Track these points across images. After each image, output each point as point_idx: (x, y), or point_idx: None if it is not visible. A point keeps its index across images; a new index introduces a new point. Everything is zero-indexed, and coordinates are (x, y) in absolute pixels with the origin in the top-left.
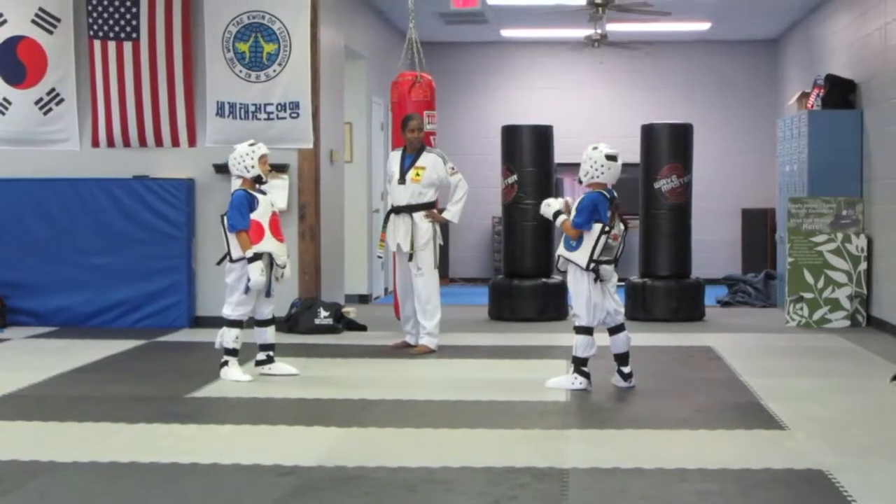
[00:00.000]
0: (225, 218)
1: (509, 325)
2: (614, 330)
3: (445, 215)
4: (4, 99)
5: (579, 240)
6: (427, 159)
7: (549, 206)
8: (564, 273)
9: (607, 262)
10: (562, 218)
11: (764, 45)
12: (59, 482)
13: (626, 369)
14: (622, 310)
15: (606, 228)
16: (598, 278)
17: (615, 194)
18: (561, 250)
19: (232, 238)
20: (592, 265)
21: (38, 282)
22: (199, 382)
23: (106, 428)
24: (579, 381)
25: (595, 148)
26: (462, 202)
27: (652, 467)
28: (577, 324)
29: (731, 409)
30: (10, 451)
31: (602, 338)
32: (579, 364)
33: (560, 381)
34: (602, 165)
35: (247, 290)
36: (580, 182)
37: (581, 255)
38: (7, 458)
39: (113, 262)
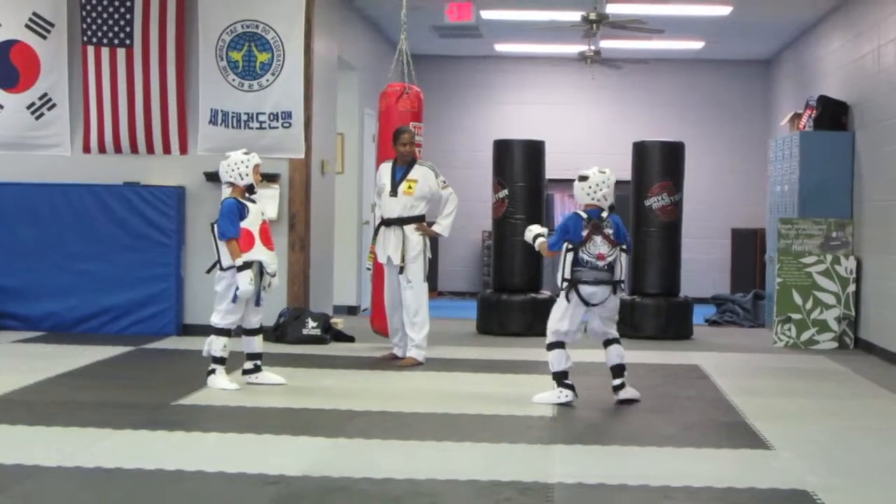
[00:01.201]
0: (215, 226)
1: (497, 339)
2: (607, 343)
3: (436, 229)
4: None
5: (559, 260)
6: (419, 172)
7: (531, 231)
8: None
9: (594, 283)
10: (539, 240)
11: (757, 66)
12: (43, 487)
13: (616, 382)
14: (612, 331)
15: (569, 246)
16: (582, 300)
17: (602, 214)
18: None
19: (222, 246)
20: (565, 284)
21: (27, 286)
22: (186, 390)
23: (92, 433)
24: (565, 395)
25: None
26: (452, 216)
27: (637, 484)
28: (547, 340)
29: (718, 427)
30: None
31: (591, 354)
32: (561, 378)
33: (546, 397)
34: (581, 188)
35: (235, 298)
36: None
37: (559, 275)
38: None
39: (102, 269)
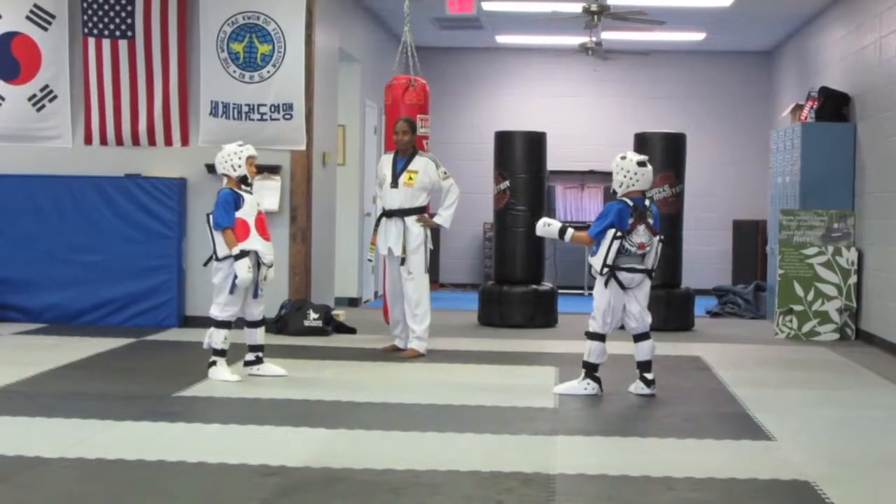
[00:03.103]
0: (210, 216)
1: (498, 331)
2: (639, 337)
3: (437, 220)
4: None
5: (598, 246)
6: (419, 163)
7: (551, 226)
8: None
9: (631, 270)
10: (570, 231)
11: (758, 57)
12: (45, 478)
13: (649, 376)
14: (648, 320)
15: (618, 234)
16: (620, 285)
17: (646, 202)
18: (589, 258)
19: (218, 237)
20: (606, 269)
21: (28, 278)
22: (187, 382)
23: (93, 425)
24: (591, 387)
25: (623, 157)
26: (453, 207)
27: (638, 475)
28: (590, 329)
29: (719, 418)
30: None
31: (612, 346)
32: (591, 370)
33: (570, 387)
34: (636, 173)
35: (233, 289)
36: (614, 193)
37: (597, 260)
38: None
39: (103, 260)
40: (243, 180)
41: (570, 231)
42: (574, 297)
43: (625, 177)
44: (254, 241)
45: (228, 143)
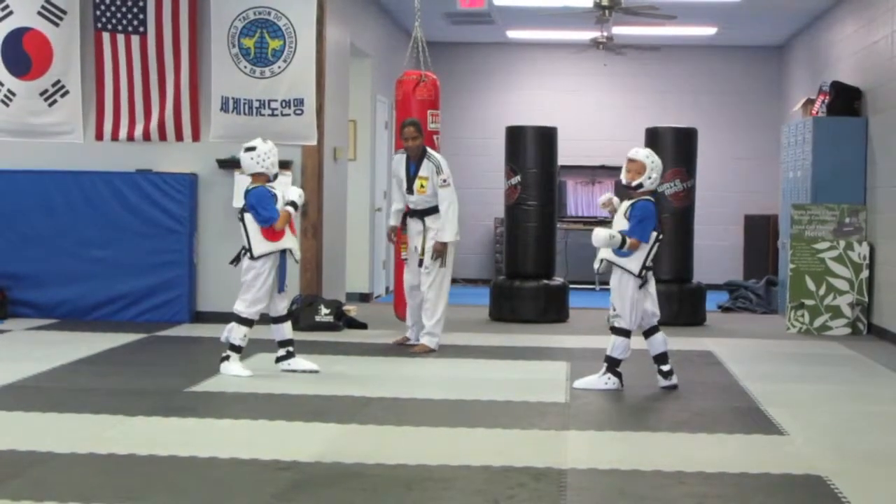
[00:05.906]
0: (247, 214)
1: (510, 326)
2: (650, 332)
3: (444, 239)
4: (9, 90)
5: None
6: (427, 168)
7: (614, 238)
8: (602, 275)
9: (649, 269)
10: (628, 240)
11: (769, 51)
12: (56, 473)
13: (665, 367)
14: (658, 312)
15: (661, 237)
16: (645, 283)
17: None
18: (607, 254)
19: (254, 234)
20: (645, 272)
21: (40, 274)
22: (198, 377)
23: (105, 420)
24: (612, 382)
25: (657, 156)
26: (454, 218)
27: (650, 469)
28: (617, 325)
29: (731, 413)
30: (9, 440)
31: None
32: (613, 364)
33: (591, 381)
34: (659, 176)
35: (262, 287)
36: (639, 186)
37: (634, 263)
38: (5, 447)
39: (114, 256)
40: (276, 177)
41: (628, 240)
42: (585, 291)
43: (657, 174)
44: (288, 240)
45: (239, 138)
